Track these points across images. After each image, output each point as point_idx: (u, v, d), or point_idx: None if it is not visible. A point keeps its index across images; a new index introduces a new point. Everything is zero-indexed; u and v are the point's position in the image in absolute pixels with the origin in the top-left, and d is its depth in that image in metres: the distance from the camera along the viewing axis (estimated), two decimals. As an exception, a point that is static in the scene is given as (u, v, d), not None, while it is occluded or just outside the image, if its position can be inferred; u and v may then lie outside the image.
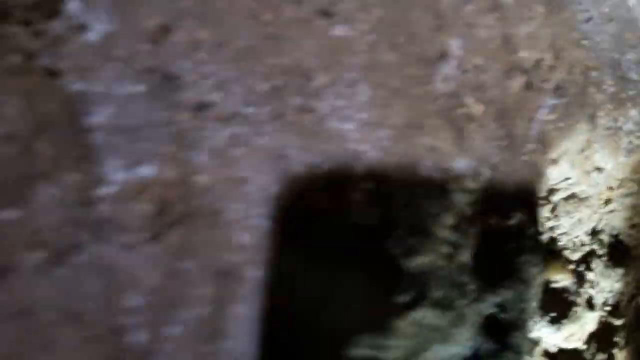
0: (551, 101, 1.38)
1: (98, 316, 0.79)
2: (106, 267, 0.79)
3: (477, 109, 1.25)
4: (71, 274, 0.79)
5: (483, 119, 1.26)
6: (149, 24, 0.88)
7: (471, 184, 1.21)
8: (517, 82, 1.32)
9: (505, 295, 1.25)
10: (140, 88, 0.85)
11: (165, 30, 0.88)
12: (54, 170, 0.82)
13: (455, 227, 1.18)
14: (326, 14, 1.05)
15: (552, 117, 1.37)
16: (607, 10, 1.58)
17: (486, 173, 1.23)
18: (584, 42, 1.49)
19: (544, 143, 1.35)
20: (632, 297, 1.48)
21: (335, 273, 1.01)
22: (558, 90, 1.39)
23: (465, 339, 1.19)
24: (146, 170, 0.83)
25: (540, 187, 1.34)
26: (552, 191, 1.40)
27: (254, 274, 0.92)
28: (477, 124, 1.25)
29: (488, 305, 1.23)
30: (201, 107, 0.90)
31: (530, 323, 1.31)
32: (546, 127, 1.36)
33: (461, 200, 1.20)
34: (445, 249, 1.15)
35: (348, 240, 1.04)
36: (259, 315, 0.91)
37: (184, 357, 0.85)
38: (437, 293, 1.13)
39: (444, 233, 1.16)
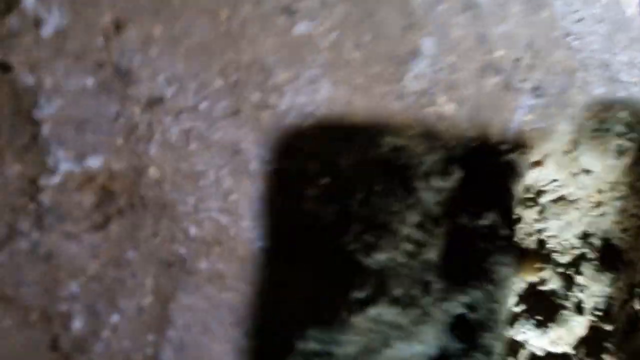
0: (529, 101, 1.36)
1: (36, 302, 0.81)
2: (46, 255, 0.81)
3: (449, 107, 1.25)
4: (9, 260, 0.81)
5: (455, 118, 1.26)
6: (103, 19, 0.90)
7: (440, 183, 1.21)
8: (492, 82, 1.31)
9: (474, 295, 1.24)
10: (91, 82, 0.87)
11: (118, 25, 0.90)
12: (-3, 160, 0.84)
13: (420, 225, 1.18)
14: (288, 11, 1.06)
15: (530, 117, 1.35)
16: (598, 11, 1.56)
17: (457, 172, 1.23)
18: (575, 42, 1.48)
19: (522, 144, 1.33)
20: (624, 302, 1.45)
21: (288, 265, 1.02)
22: (537, 90, 1.38)
23: (430, 338, 1.19)
24: (93, 162, 0.86)
25: (516, 188, 1.33)
26: (539, 193, 1.39)
27: (204, 266, 0.93)
28: (449, 123, 1.24)
29: (456, 305, 1.23)
30: (154, 102, 0.92)
31: (503, 324, 1.30)
32: (524, 127, 1.34)
33: (429, 198, 1.20)
34: (408, 247, 1.15)
35: (302, 235, 1.04)
36: (209, 306, 0.92)
37: (124, 344, 0.86)
38: (397, 290, 1.14)
39: (407, 230, 1.16)
